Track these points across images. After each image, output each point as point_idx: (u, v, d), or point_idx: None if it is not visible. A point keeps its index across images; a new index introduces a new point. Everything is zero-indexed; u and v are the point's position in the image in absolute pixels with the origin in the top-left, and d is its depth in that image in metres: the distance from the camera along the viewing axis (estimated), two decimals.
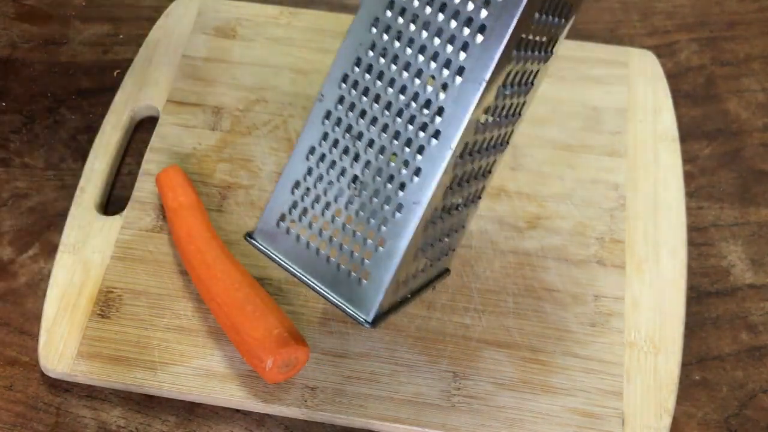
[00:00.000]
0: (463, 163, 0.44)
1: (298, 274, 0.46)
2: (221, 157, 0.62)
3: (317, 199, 0.45)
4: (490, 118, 0.44)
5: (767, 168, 0.64)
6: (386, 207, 0.43)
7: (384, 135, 0.43)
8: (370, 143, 0.43)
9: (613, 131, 0.63)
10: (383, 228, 0.43)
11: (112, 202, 0.61)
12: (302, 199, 0.45)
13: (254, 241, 0.47)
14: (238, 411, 0.53)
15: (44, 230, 0.60)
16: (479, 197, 0.50)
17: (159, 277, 0.56)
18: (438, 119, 0.41)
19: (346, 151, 0.44)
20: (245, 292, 0.52)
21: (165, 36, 0.68)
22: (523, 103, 0.47)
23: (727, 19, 0.73)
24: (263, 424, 0.53)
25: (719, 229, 0.61)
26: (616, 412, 0.52)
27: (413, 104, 0.42)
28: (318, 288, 0.45)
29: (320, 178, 0.45)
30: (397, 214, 0.43)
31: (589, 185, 0.61)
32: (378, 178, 0.43)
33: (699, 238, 0.61)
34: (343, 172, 0.44)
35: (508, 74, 0.42)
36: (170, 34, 0.69)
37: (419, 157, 0.42)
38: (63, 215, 0.60)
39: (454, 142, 0.41)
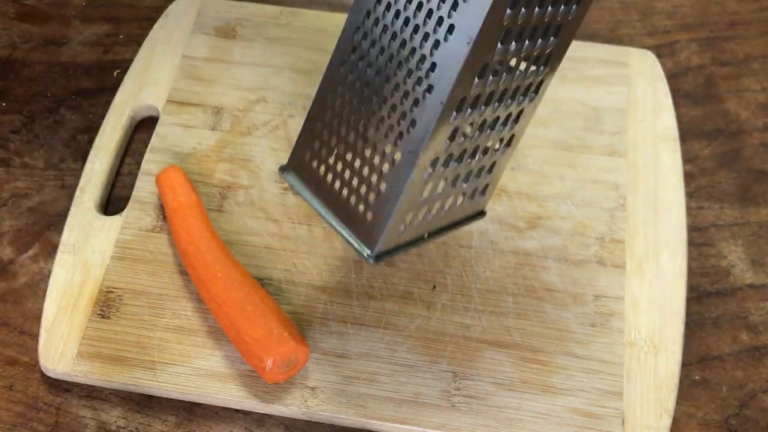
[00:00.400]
0: (467, 115, 0.45)
1: (318, 208, 0.49)
2: (221, 157, 0.62)
3: (338, 138, 0.47)
4: (499, 68, 0.45)
5: (767, 168, 0.64)
6: (387, 151, 0.46)
7: (387, 85, 0.45)
8: (377, 92, 0.45)
9: (613, 131, 0.63)
10: (384, 170, 0.46)
11: (112, 202, 0.61)
12: (324, 136, 0.48)
13: (286, 175, 0.50)
14: (238, 411, 0.53)
15: (44, 230, 0.60)
16: (508, 144, 0.51)
17: (159, 277, 0.56)
18: (431, 74, 0.43)
19: (358, 96, 0.46)
20: (245, 292, 0.52)
21: (165, 36, 0.68)
22: (549, 55, 0.47)
23: (727, 19, 0.73)
24: (263, 424, 0.53)
25: (719, 229, 0.61)
26: (616, 412, 0.52)
27: (411, 59, 0.44)
28: (332, 223, 0.49)
29: (339, 117, 0.47)
30: (397, 160, 0.45)
31: (589, 185, 0.61)
32: (380, 126, 0.46)
33: (699, 238, 0.61)
34: (357, 114, 0.46)
35: (509, 31, 0.43)
36: (170, 34, 0.69)
37: (415, 109, 0.44)
38: (63, 215, 0.60)
39: (445, 97, 0.43)
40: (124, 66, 0.68)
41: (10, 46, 0.70)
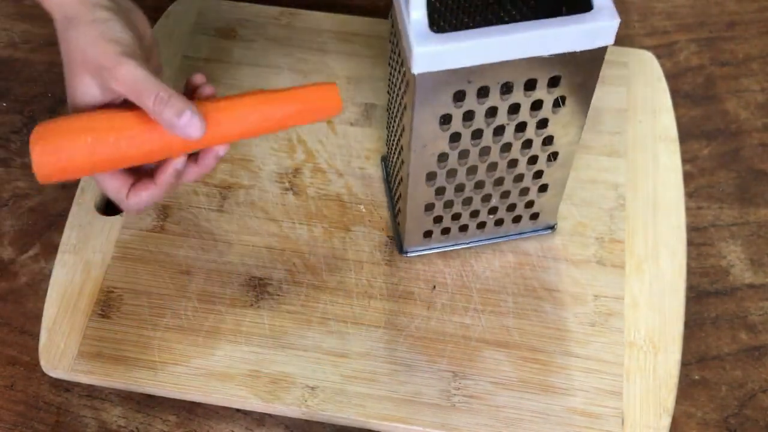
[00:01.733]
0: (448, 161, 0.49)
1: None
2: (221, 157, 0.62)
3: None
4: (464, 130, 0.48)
5: (766, 168, 0.64)
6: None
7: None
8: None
9: (613, 131, 0.63)
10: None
11: (112, 203, 0.61)
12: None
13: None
14: (238, 410, 0.53)
15: (45, 230, 0.60)
16: (548, 164, 0.52)
17: (159, 277, 0.56)
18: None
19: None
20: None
21: (165, 36, 0.69)
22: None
23: (726, 19, 0.73)
24: (263, 424, 0.53)
25: (719, 229, 0.61)
26: (616, 411, 0.52)
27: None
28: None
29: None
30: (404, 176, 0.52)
31: (589, 185, 0.61)
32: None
33: (699, 238, 0.61)
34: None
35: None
36: (171, 34, 0.69)
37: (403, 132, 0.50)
38: (63, 215, 0.60)
39: (413, 103, 0.46)
40: None
41: (11, 47, 0.71)
